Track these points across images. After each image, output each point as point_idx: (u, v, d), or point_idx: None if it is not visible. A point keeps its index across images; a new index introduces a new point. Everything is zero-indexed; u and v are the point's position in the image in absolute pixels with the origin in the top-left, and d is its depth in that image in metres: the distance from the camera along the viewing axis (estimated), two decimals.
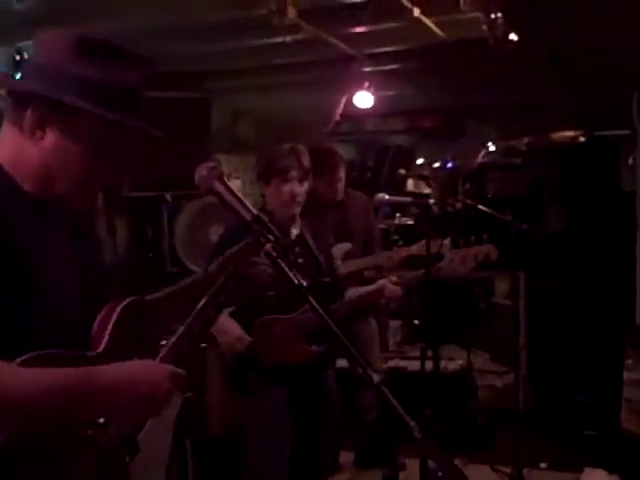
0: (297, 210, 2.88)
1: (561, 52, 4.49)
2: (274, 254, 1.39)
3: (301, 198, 2.85)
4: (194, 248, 5.20)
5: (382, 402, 1.23)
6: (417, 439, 1.19)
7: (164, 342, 1.53)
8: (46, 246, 1.34)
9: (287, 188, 2.81)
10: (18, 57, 3.95)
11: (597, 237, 4.79)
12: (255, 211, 1.46)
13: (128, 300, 1.47)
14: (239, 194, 1.48)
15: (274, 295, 2.71)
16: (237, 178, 5.85)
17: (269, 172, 2.86)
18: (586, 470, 2.66)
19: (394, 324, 6.68)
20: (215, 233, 5.13)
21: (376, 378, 1.24)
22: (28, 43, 4.17)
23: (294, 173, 2.81)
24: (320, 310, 1.31)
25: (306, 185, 2.88)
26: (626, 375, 4.08)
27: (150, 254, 5.44)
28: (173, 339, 1.52)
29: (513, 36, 3.56)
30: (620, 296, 4.65)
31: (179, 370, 1.37)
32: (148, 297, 1.65)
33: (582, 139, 6.10)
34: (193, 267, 4.93)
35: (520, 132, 6.60)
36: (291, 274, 1.36)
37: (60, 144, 1.33)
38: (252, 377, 2.77)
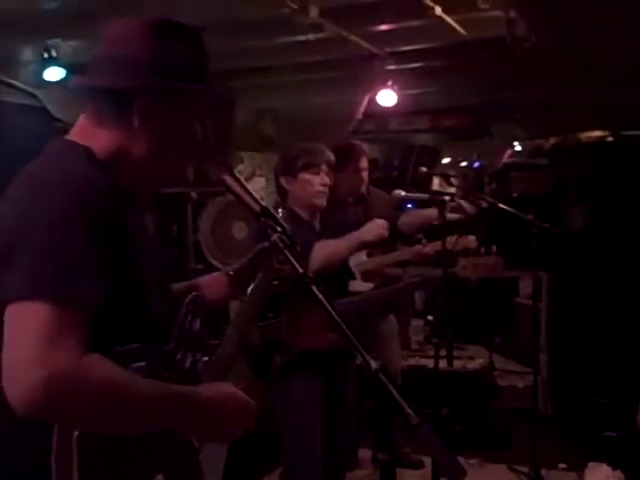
0: (324, 202, 2.94)
1: (588, 51, 4.45)
2: (281, 245, 1.43)
3: (327, 190, 2.94)
4: (218, 245, 5.25)
5: (379, 389, 1.25)
6: (413, 426, 1.21)
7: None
8: (136, 242, 1.36)
9: (318, 179, 2.91)
10: (46, 55, 4.05)
11: (621, 237, 4.74)
12: (263, 203, 1.50)
13: (191, 296, 1.50)
14: (248, 187, 1.52)
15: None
16: (261, 176, 5.89)
17: (296, 166, 2.92)
18: (590, 465, 2.63)
19: (417, 323, 6.66)
20: (238, 230, 5.18)
21: (374, 365, 1.26)
22: (57, 41, 4.26)
23: (323, 166, 2.92)
24: (322, 298, 1.34)
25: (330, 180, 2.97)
26: None
27: (175, 250, 5.50)
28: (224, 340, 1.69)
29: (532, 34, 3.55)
30: None
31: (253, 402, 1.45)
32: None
33: (610, 139, 6.01)
34: (215, 263, 4.98)
35: (547, 132, 6.54)
36: (296, 264, 1.39)
37: (165, 129, 1.35)
38: (276, 361, 2.76)
